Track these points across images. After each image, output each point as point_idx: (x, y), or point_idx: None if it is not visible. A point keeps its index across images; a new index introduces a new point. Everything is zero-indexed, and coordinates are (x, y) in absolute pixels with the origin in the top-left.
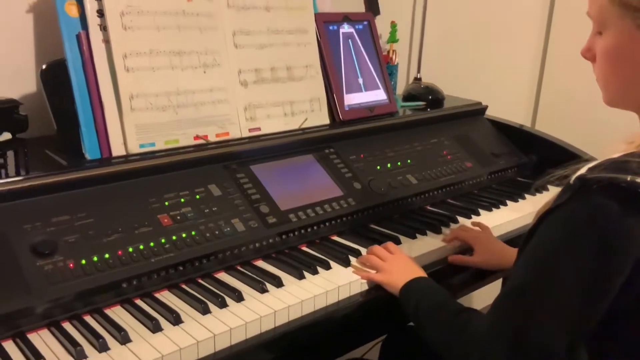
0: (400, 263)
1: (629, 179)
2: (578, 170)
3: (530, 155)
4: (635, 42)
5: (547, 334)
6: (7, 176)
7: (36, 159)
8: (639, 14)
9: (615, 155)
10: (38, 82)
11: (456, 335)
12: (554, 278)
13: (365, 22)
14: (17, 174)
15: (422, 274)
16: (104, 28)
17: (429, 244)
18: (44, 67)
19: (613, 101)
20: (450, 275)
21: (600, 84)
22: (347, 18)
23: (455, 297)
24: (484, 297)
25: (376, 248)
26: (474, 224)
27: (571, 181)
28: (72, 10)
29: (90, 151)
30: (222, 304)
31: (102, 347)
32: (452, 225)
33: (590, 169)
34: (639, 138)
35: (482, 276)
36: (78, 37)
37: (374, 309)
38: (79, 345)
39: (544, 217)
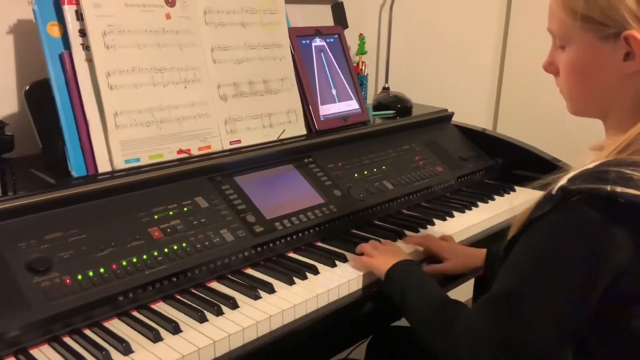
0: (388, 250)
1: (609, 188)
2: (559, 180)
3: (496, 158)
4: (599, 54)
5: (535, 335)
6: None
7: (24, 178)
8: (601, 26)
9: (591, 165)
10: (22, 102)
11: (444, 329)
12: (542, 283)
13: (336, 36)
14: (7, 193)
15: (407, 258)
16: (86, 47)
17: (408, 246)
18: (27, 87)
19: (579, 111)
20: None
21: (565, 96)
22: (318, 32)
23: None
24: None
25: (372, 242)
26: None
27: (553, 192)
28: (54, 31)
29: (77, 168)
30: (219, 312)
31: (106, 359)
32: (429, 227)
33: (570, 180)
34: (608, 146)
35: (455, 277)
36: (61, 57)
37: (362, 309)
38: (83, 358)
39: (529, 225)
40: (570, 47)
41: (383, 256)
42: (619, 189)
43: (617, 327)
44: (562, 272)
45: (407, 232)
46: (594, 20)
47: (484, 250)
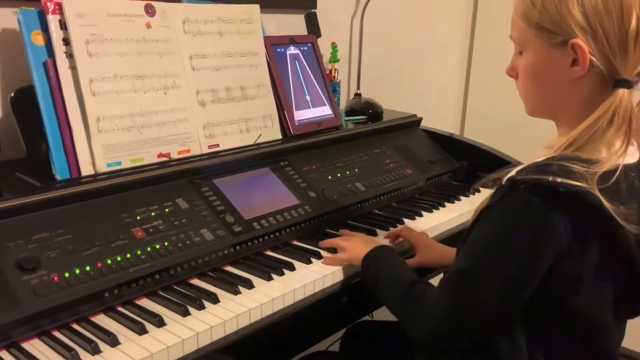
0: (361, 240)
1: (550, 179)
2: (509, 172)
3: (462, 161)
4: (550, 59)
5: (485, 309)
6: None
7: (9, 181)
8: (552, 34)
9: (538, 159)
10: (7, 108)
11: (410, 306)
12: (491, 262)
13: (309, 44)
14: None
15: (381, 244)
16: (69, 55)
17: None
18: (12, 94)
19: (534, 112)
20: None
21: (522, 98)
22: (292, 41)
23: None
24: None
25: (340, 237)
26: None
27: (503, 182)
28: (39, 40)
29: (60, 172)
30: (200, 306)
31: (95, 350)
32: (399, 227)
33: (518, 172)
34: (557, 143)
35: (424, 273)
36: (45, 64)
37: (336, 303)
38: (73, 349)
39: (482, 213)
40: (527, 52)
41: (357, 246)
42: (559, 180)
43: (561, 306)
44: (508, 252)
45: (378, 231)
46: (546, 28)
47: (454, 249)
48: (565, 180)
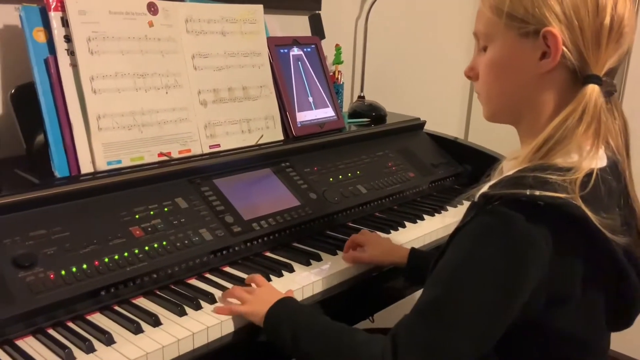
0: (264, 292)
1: (528, 192)
2: (481, 189)
3: (465, 165)
4: (519, 51)
5: (460, 344)
6: None
7: (8, 178)
8: (523, 23)
9: (510, 173)
10: (7, 104)
11: (365, 356)
12: (465, 289)
13: (313, 46)
14: None
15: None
16: (71, 53)
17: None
18: (13, 90)
19: (495, 113)
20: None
21: (481, 99)
22: (296, 42)
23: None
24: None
25: (240, 287)
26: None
27: (476, 199)
28: (40, 37)
29: (60, 169)
30: (197, 307)
31: (89, 349)
32: (400, 229)
33: (491, 187)
34: (521, 153)
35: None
36: (46, 61)
37: (337, 305)
38: (67, 347)
39: (454, 235)
40: (493, 45)
41: (258, 300)
42: (537, 192)
43: (543, 329)
44: (484, 276)
45: (378, 233)
46: (517, 17)
47: (407, 249)
48: (544, 193)
